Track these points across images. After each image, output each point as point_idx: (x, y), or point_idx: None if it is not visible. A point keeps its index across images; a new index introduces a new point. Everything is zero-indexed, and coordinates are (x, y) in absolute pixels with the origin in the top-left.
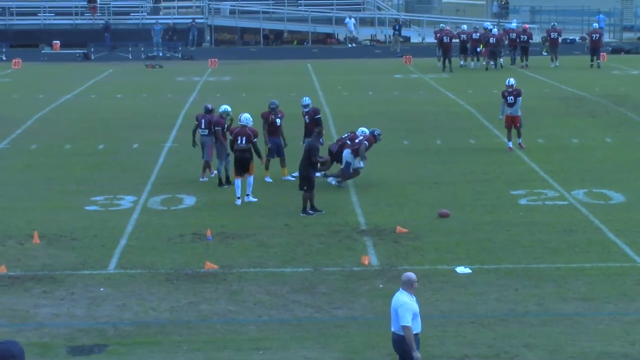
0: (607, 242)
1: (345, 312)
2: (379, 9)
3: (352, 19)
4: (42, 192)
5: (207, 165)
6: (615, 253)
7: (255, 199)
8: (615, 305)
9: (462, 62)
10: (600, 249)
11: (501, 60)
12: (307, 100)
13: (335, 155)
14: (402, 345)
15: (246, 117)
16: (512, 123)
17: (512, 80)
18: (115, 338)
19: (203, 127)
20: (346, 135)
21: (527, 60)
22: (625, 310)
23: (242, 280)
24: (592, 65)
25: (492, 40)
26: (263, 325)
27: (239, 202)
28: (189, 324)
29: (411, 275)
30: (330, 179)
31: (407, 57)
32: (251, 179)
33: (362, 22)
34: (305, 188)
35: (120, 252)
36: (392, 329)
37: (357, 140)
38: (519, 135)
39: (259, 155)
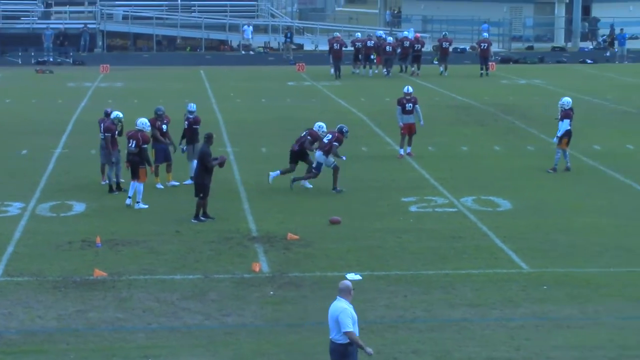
0: (494, 248)
1: (235, 319)
2: (273, 16)
3: (250, 27)
4: None
5: (103, 169)
6: (502, 259)
7: (146, 206)
8: (501, 311)
9: (354, 70)
10: (487, 255)
11: (390, 68)
12: (193, 106)
13: (298, 155)
14: (340, 354)
15: (142, 122)
16: (409, 130)
17: (410, 88)
18: (1, 347)
19: (102, 131)
20: (304, 133)
21: (419, 68)
22: (510, 315)
23: (131, 287)
24: (482, 74)
25: (388, 48)
26: (152, 332)
27: (128, 201)
28: (76, 332)
29: (348, 283)
30: (303, 183)
31: (300, 64)
32: (140, 186)
33: (256, 29)
34: (201, 195)
35: (7, 260)
36: (331, 337)
37: (325, 140)
38: (410, 144)
39: (148, 162)
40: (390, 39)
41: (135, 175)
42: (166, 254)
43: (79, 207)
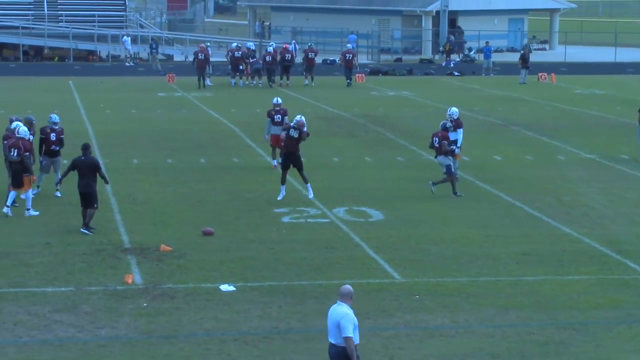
0: (367, 258)
1: (108, 331)
2: (142, 26)
3: (129, 37)
4: None
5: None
6: (375, 269)
7: (37, 213)
8: (375, 320)
9: (232, 80)
10: (360, 265)
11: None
12: (57, 118)
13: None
14: (344, 356)
15: (24, 130)
16: (277, 142)
17: (279, 99)
18: None
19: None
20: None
21: (288, 79)
22: (384, 325)
23: (1, 300)
24: (348, 84)
25: (268, 58)
26: (23, 346)
27: (6, 209)
28: None
29: (350, 287)
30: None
31: (171, 75)
32: (28, 193)
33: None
34: (95, 205)
35: None
36: (331, 341)
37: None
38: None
39: (29, 170)
40: (270, 49)
41: (19, 184)
42: (37, 267)
43: None
